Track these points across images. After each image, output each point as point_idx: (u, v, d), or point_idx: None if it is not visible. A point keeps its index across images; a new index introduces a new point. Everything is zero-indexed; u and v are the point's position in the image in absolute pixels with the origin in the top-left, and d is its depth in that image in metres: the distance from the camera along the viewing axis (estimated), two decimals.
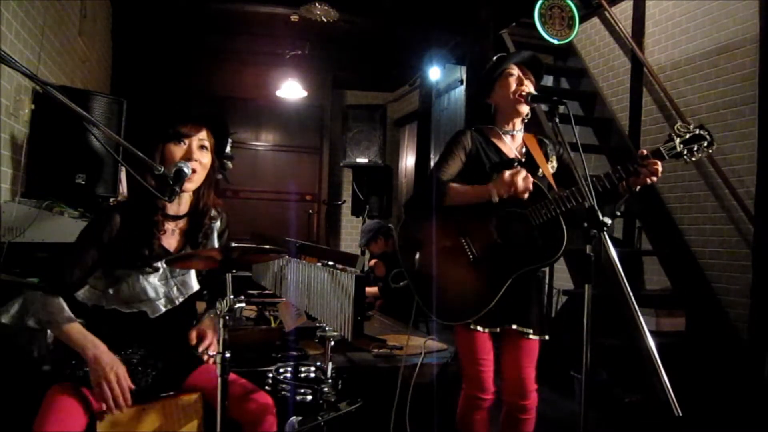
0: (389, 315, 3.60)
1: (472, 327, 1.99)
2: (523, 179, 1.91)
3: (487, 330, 2.01)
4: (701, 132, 1.97)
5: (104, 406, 1.50)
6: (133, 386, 1.53)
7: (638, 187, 1.97)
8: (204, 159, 1.69)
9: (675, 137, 1.97)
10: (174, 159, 1.63)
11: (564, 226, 1.95)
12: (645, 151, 1.96)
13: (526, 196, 1.93)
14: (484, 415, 2.05)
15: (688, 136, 1.96)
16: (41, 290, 1.58)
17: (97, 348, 1.52)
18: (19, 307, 1.55)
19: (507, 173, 1.92)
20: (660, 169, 1.92)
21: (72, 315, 1.56)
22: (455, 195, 1.99)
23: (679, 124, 2.00)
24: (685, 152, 1.96)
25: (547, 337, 2.05)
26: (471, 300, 1.98)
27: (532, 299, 2.06)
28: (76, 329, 1.54)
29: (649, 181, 1.93)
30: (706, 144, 1.96)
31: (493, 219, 2.01)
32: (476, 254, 2.01)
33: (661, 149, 1.96)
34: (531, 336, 2.02)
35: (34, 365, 1.99)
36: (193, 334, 1.75)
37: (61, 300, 1.57)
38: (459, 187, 2.00)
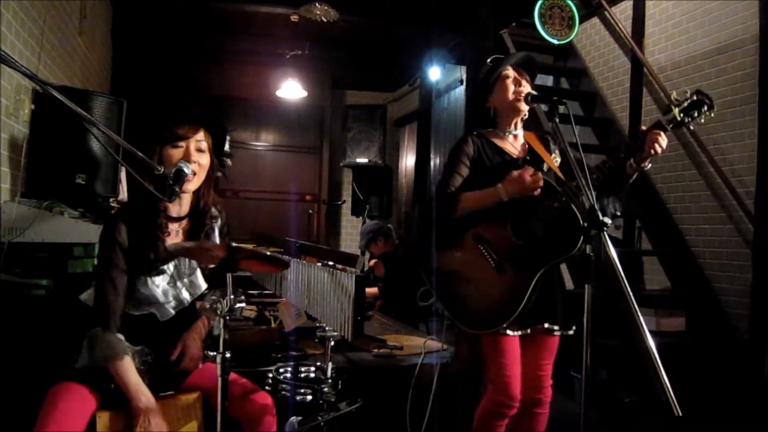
0: (389, 315, 3.60)
1: (501, 332, 1.96)
2: (531, 175, 1.92)
3: (518, 333, 1.99)
4: (699, 97, 1.96)
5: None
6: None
7: (648, 163, 1.97)
8: (202, 160, 1.68)
9: (673, 107, 1.97)
10: (171, 162, 1.63)
11: (579, 217, 1.93)
12: (644, 127, 1.98)
13: (537, 191, 1.94)
14: (506, 422, 2.03)
15: (686, 103, 1.96)
16: (100, 327, 1.57)
17: (149, 402, 1.54)
18: (87, 348, 1.58)
19: (515, 172, 1.94)
20: (663, 140, 1.92)
21: (126, 352, 1.57)
22: (466, 203, 2.00)
23: (676, 93, 2.00)
24: (687, 120, 1.96)
25: (572, 332, 2.06)
26: (501, 305, 1.96)
27: (557, 295, 2.06)
28: (130, 370, 1.55)
29: (653, 152, 1.92)
30: (706, 108, 1.96)
31: (508, 221, 2.01)
32: (497, 259, 2.00)
33: (661, 120, 1.97)
34: (556, 332, 2.03)
35: (34, 365, 1.99)
36: (177, 350, 1.72)
37: (117, 336, 1.57)
38: (469, 194, 2.01)
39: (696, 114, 1.95)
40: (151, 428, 1.51)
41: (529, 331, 2.01)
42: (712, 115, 1.98)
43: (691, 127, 2.00)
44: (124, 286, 1.61)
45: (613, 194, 2.09)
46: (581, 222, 1.92)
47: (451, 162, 2.10)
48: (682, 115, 1.95)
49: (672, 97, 1.99)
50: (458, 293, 2.04)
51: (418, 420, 2.13)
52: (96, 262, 1.67)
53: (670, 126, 1.96)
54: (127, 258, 1.61)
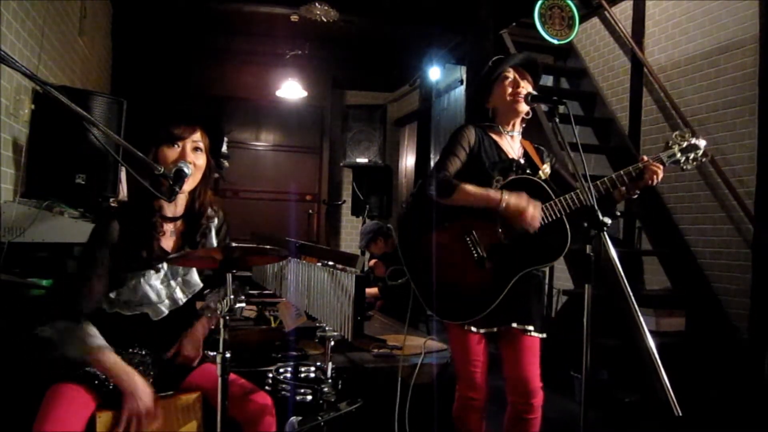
0: (389, 315, 3.59)
1: (465, 327, 1.99)
2: (533, 212, 1.91)
3: (481, 331, 2.01)
4: (696, 142, 2.05)
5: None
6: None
7: (635, 193, 2.04)
8: (198, 160, 1.68)
9: (673, 145, 2.04)
10: (167, 161, 1.62)
11: (568, 227, 1.97)
12: (645, 158, 2.03)
13: (530, 229, 1.93)
14: (479, 414, 2.06)
15: (685, 144, 2.03)
16: (67, 318, 1.55)
17: (132, 381, 1.52)
18: (60, 343, 1.55)
19: (525, 200, 1.91)
20: (661, 174, 1.98)
21: (103, 341, 1.55)
22: (464, 194, 1.96)
23: (677, 132, 2.07)
24: (683, 160, 2.04)
25: (545, 335, 2.06)
26: (474, 299, 1.98)
27: (531, 297, 2.07)
28: (110, 358, 1.53)
29: (650, 182, 1.99)
30: (700, 153, 2.04)
31: (500, 219, 2.01)
32: (481, 253, 2.01)
33: (662, 156, 2.03)
34: (533, 333, 2.02)
35: (34, 365, 1.99)
36: (173, 349, 1.72)
37: (88, 325, 1.56)
38: (470, 188, 1.96)
39: (692, 157, 2.03)
40: (139, 408, 1.49)
41: (495, 330, 2.03)
42: (705, 161, 2.08)
43: (685, 167, 2.06)
44: (101, 286, 1.59)
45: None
46: (569, 234, 1.96)
47: (450, 145, 2.08)
48: (680, 153, 2.03)
49: (673, 135, 2.06)
50: (434, 278, 2.03)
51: (418, 420, 2.13)
52: (81, 255, 1.64)
53: (669, 162, 2.03)
54: (114, 257, 1.60)
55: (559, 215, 1.96)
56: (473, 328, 1.99)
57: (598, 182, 1.99)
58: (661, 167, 1.99)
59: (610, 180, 1.99)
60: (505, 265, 1.98)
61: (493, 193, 1.94)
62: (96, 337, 1.55)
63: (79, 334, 1.53)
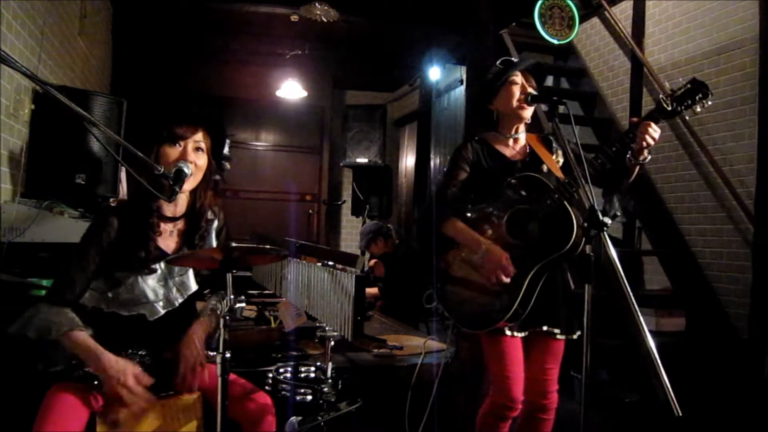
0: (389, 315, 3.60)
1: (500, 332, 1.97)
2: (503, 264, 1.91)
3: (516, 334, 1.98)
4: (693, 85, 1.89)
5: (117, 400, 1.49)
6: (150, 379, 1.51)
7: (645, 155, 1.92)
8: (200, 161, 1.68)
9: (666, 98, 1.91)
10: (169, 160, 1.62)
11: (572, 214, 1.93)
12: (636, 119, 1.94)
13: (493, 280, 1.92)
14: (509, 423, 2.03)
15: (679, 92, 1.89)
16: (46, 301, 1.56)
17: (101, 359, 1.48)
18: (25, 318, 1.54)
19: (499, 252, 1.93)
20: (655, 131, 1.88)
21: (78, 322, 1.53)
22: (452, 230, 2.04)
23: (669, 84, 1.95)
24: (680, 109, 1.89)
25: (575, 336, 2.04)
26: (496, 304, 1.97)
27: (559, 299, 2.05)
28: (80, 338, 1.51)
29: (645, 143, 1.88)
30: (701, 95, 1.88)
31: (504, 220, 2.01)
32: None
33: (654, 112, 1.92)
34: (558, 336, 2.02)
35: (34, 365, 1.99)
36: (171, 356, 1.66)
37: (67, 309, 1.54)
38: (458, 225, 2.03)
39: (690, 102, 1.88)
40: (116, 387, 1.46)
41: (527, 333, 2.01)
42: (709, 103, 1.90)
43: (687, 117, 1.95)
44: (85, 278, 1.58)
45: (617, 191, 2.08)
46: (574, 219, 1.92)
47: (449, 167, 2.13)
48: (674, 104, 1.89)
49: (666, 87, 1.94)
50: (457, 293, 2.05)
51: (418, 420, 2.13)
52: (76, 245, 1.63)
53: (662, 116, 1.90)
54: (111, 255, 1.60)
55: (558, 202, 1.94)
56: (507, 332, 1.97)
57: (592, 157, 1.96)
58: (652, 124, 1.87)
59: (603, 152, 1.94)
60: (520, 262, 1.97)
61: (477, 236, 1.99)
62: (68, 317, 1.52)
63: (50, 313, 1.52)
